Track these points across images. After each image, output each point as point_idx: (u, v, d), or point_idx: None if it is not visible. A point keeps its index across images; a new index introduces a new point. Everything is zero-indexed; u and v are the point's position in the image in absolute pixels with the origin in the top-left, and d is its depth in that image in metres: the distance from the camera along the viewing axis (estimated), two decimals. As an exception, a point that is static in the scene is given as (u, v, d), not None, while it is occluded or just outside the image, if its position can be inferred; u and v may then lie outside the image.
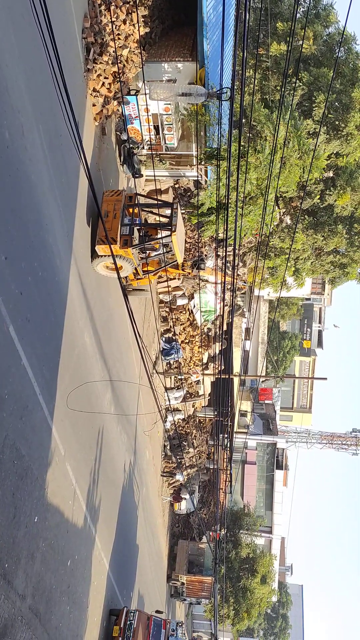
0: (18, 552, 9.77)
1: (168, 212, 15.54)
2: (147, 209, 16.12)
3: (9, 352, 9.22)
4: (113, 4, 14.09)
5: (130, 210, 14.87)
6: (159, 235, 15.40)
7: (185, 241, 22.58)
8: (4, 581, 9.20)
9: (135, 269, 15.78)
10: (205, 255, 23.69)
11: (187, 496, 30.33)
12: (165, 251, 15.69)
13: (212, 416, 31.90)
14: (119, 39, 14.62)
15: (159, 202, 15.64)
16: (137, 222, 14.83)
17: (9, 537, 9.39)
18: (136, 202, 15.05)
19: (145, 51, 16.58)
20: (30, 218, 10.13)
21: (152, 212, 16.07)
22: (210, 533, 33.66)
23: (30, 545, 10.36)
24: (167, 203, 16.06)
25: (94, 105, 14.24)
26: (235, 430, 34.56)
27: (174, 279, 23.71)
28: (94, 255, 14.49)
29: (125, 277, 16.64)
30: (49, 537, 11.44)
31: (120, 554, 19.04)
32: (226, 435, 32.10)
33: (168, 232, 15.00)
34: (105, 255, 14.25)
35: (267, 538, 39.22)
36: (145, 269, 16.57)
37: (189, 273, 23.48)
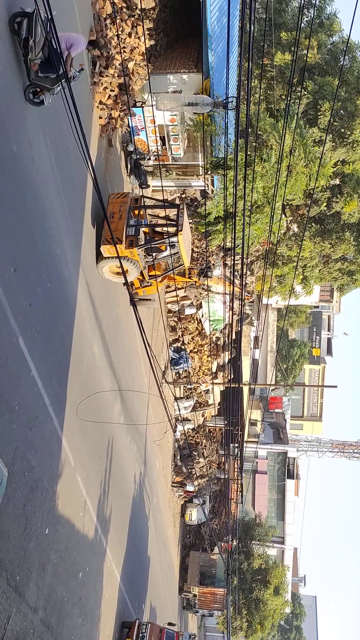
0: (29, 564, 9.74)
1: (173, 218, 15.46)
2: (153, 214, 16.07)
3: (18, 363, 9.25)
4: (118, 17, 14.25)
5: (136, 212, 14.84)
6: (165, 237, 15.32)
7: (193, 250, 22.61)
8: (16, 594, 9.16)
9: (141, 273, 15.64)
10: (213, 264, 23.71)
11: (191, 488, 30.07)
12: (171, 253, 15.54)
13: (222, 425, 31.75)
14: (124, 52, 14.76)
15: (165, 204, 15.61)
16: (143, 223, 14.79)
17: (20, 549, 9.36)
18: (142, 203, 15.05)
19: (150, 63, 16.73)
20: (38, 229, 10.20)
21: (158, 217, 15.99)
22: (222, 544, 33.38)
23: (42, 557, 10.32)
24: (173, 204, 15.99)
25: (100, 117, 14.37)
26: (245, 439, 34.37)
27: (182, 288, 23.73)
28: (99, 257, 14.39)
29: (132, 285, 16.57)
30: (60, 549, 11.40)
31: (131, 565, 18.92)
32: (236, 445, 31.92)
33: (174, 233, 14.90)
34: (110, 257, 14.12)
35: (280, 548, 38.80)
36: (152, 273, 16.40)
37: (196, 282, 23.48)
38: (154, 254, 15.46)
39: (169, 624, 21.17)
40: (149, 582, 22.51)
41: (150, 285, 16.96)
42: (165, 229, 15.35)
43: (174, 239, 14.96)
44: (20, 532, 9.35)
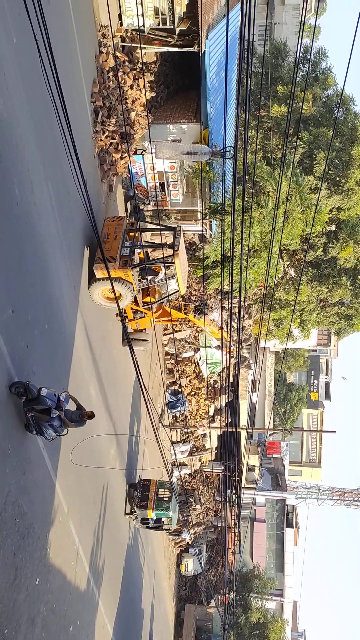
0: (18, 616, 9.33)
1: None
2: (149, 242, 15.78)
3: (13, 406, 9.12)
4: (120, 70, 14.83)
5: (132, 234, 14.44)
6: (161, 263, 14.82)
7: (191, 293, 22.74)
8: (3, 649, 8.74)
9: (135, 299, 15.23)
10: (211, 307, 23.82)
11: (187, 536, 29.22)
12: (166, 276, 15.06)
13: (219, 471, 31.14)
14: (126, 102, 15.28)
15: (161, 227, 15.38)
16: (138, 245, 14.33)
17: (10, 600, 8.98)
18: (138, 227, 14.70)
19: (151, 114, 17.30)
20: (37, 271, 10.27)
21: (154, 243, 15.71)
22: (219, 596, 32.18)
23: (31, 609, 9.90)
24: (170, 227, 15.50)
25: (101, 164, 14.73)
26: (243, 485, 33.66)
27: (179, 331, 23.74)
28: (91, 279, 13.84)
29: (125, 316, 16.14)
30: (51, 600, 10.94)
31: (124, 619, 18.15)
32: (234, 491, 31.24)
33: (170, 255, 14.50)
34: (103, 279, 13.54)
35: (278, 602, 37.40)
36: (146, 299, 15.90)
37: (190, 320, 23.48)
38: (148, 277, 14.94)
39: None
40: (142, 638, 21.55)
41: (145, 316, 16.39)
42: (161, 251, 14.93)
43: (169, 263, 14.54)
44: (10, 583, 8.99)
